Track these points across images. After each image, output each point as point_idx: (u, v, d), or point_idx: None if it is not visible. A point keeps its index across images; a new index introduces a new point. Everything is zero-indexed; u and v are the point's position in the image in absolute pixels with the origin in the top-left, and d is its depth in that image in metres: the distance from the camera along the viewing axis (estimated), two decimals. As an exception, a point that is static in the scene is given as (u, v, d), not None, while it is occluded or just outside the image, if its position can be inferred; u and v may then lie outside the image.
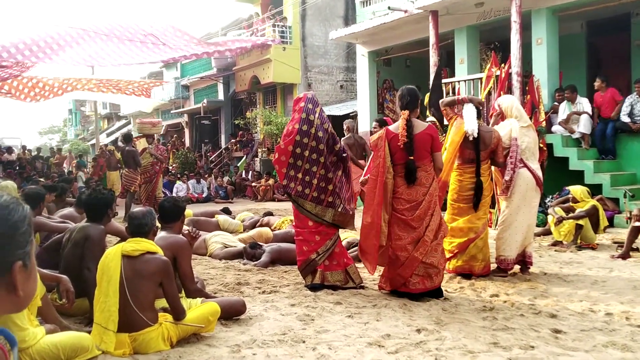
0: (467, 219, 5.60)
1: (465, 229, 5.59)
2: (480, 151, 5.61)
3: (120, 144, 12.02)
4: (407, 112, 4.93)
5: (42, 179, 13.07)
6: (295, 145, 5.19)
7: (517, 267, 5.87)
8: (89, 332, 3.57)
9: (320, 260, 5.21)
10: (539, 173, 5.88)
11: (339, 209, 5.24)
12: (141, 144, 12.00)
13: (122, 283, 3.47)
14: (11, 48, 10.29)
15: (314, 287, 5.18)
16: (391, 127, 5.06)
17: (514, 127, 5.82)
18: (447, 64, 14.10)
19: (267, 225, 9.24)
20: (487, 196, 5.71)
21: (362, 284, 5.31)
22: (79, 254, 4.24)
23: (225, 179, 18.65)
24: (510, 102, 6.08)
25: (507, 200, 5.83)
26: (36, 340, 3.25)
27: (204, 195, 17.31)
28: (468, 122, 5.60)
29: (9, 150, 20.63)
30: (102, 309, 3.48)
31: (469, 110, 5.70)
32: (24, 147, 23.48)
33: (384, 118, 9.36)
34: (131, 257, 3.54)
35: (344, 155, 5.47)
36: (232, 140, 22.91)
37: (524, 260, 5.83)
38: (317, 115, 5.29)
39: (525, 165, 5.76)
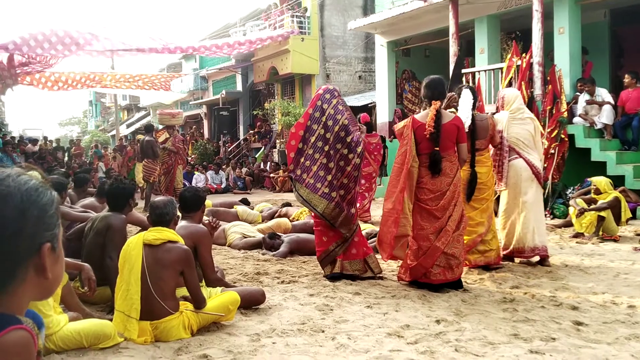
0: (475, 214, 5.58)
1: (473, 224, 5.56)
2: (477, 140, 5.63)
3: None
4: (438, 102, 4.90)
5: (63, 170, 13.25)
6: (305, 131, 5.26)
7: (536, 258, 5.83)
8: (111, 320, 3.63)
9: (339, 250, 5.22)
10: (537, 164, 5.85)
11: (332, 204, 5.10)
12: (163, 136, 12.05)
13: (143, 271, 3.51)
14: (31, 40, 10.55)
15: (333, 277, 5.19)
16: (417, 116, 5.03)
17: (501, 120, 5.86)
18: (467, 53, 13.96)
19: (286, 215, 9.27)
20: (489, 187, 5.70)
21: (380, 274, 5.31)
22: (101, 242, 4.29)
23: (244, 169, 18.73)
24: (514, 95, 6.05)
25: (503, 192, 5.92)
26: (59, 327, 3.31)
27: (222, 186, 17.41)
28: (461, 112, 5.56)
29: (34, 141, 20.90)
30: (124, 297, 3.52)
31: (465, 100, 5.67)
32: (45, 138, 23.78)
33: (362, 115, 9.33)
34: (152, 246, 3.58)
35: (358, 150, 5.23)
36: (251, 131, 22.97)
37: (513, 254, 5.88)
38: (332, 105, 5.28)
39: (520, 156, 5.78)
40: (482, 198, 5.62)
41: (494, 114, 6.04)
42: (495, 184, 5.91)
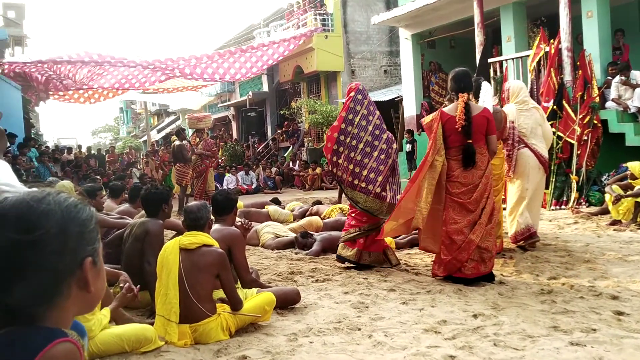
0: None
1: None
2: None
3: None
4: (466, 94, 4.88)
5: (98, 177, 13.52)
6: (340, 133, 5.53)
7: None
8: (151, 324, 3.71)
9: (359, 235, 5.50)
10: (543, 152, 6.11)
11: (371, 197, 5.37)
12: (197, 140, 12.22)
13: (181, 276, 3.58)
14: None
15: (357, 267, 5.53)
16: (446, 109, 5.01)
17: (511, 111, 6.03)
18: (494, 42, 13.77)
19: (317, 214, 9.29)
20: (502, 179, 5.95)
21: (399, 265, 5.58)
22: (140, 248, 4.38)
23: (273, 169, 18.83)
24: (518, 87, 6.26)
25: (511, 181, 6.12)
26: (102, 327, 3.39)
27: (253, 187, 17.54)
28: (484, 104, 5.57)
29: (69, 150, 21.41)
30: (163, 301, 3.59)
31: (486, 93, 5.71)
32: (79, 147, 24.34)
33: None
34: (188, 250, 3.64)
35: (394, 146, 5.60)
36: (278, 131, 23.08)
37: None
38: (364, 105, 5.56)
39: (527, 145, 6.01)
40: (496, 189, 5.75)
41: (501, 106, 6.11)
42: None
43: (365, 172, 5.40)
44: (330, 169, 5.68)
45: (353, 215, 5.62)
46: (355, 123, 5.48)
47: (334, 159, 5.55)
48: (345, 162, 5.49)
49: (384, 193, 5.37)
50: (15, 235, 0.99)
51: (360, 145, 5.44)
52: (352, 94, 5.61)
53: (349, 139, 5.48)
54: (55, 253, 1.02)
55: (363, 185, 5.40)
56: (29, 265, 1.00)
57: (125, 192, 7.81)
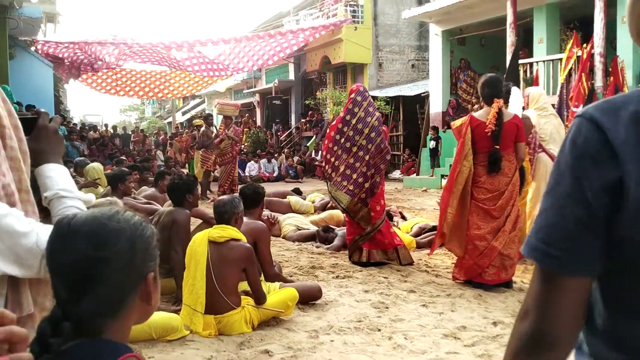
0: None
1: None
2: None
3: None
4: (501, 100, 4.87)
5: (124, 157, 13.72)
6: (337, 132, 5.75)
7: None
8: (177, 312, 3.81)
9: (363, 240, 5.65)
10: None
11: (355, 199, 5.58)
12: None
13: (208, 268, 3.67)
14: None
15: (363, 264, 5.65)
16: (476, 115, 5.00)
17: (532, 116, 5.99)
18: (525, 43, 13.62)
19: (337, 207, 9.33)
20: (529, 182, 5.85)
21: (411, 264, 5.67)
22: (167, 236, 4.47)
23: (296, 158, 18.90)
24: (538, 93, 6.24)
25: (530, 185, 6.02)
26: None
27: (274, 175, 17.65)
28: (513, 109, 5.55)
29: (95, 128, 21.73)
30: (190, 291, 3.69)
31: (515, 99, 5.71)
32: (105, 125, 24.67)
33: None
34: (217, 243, 3.73)
35: (388, 157, 5.77)
36: (302, 120, 23.10)
37: None
38: (362, 107, 5.70)
39: (544, 150, 5.95)
40: (524, 191, 5.75)
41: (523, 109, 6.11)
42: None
43: (354, 176, 5.62)
44: (323, 165, 5.96)
45: (349, 220, 5.82)
46: (352, 125, 5.65)
47: (328, 156, 5.84)
48: (337, 162, 5.72)
49: (368, 200, 5.58)
50: (88, 251, 1.06)
51: (354, 149, 5.65)
52: (353, 95, 5.75)
53: (343, 139, 5.69)
54: (124, 268, 1.09)
55: (351, 187, 5.61)
56: (100, 279, 1.07)
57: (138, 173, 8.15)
